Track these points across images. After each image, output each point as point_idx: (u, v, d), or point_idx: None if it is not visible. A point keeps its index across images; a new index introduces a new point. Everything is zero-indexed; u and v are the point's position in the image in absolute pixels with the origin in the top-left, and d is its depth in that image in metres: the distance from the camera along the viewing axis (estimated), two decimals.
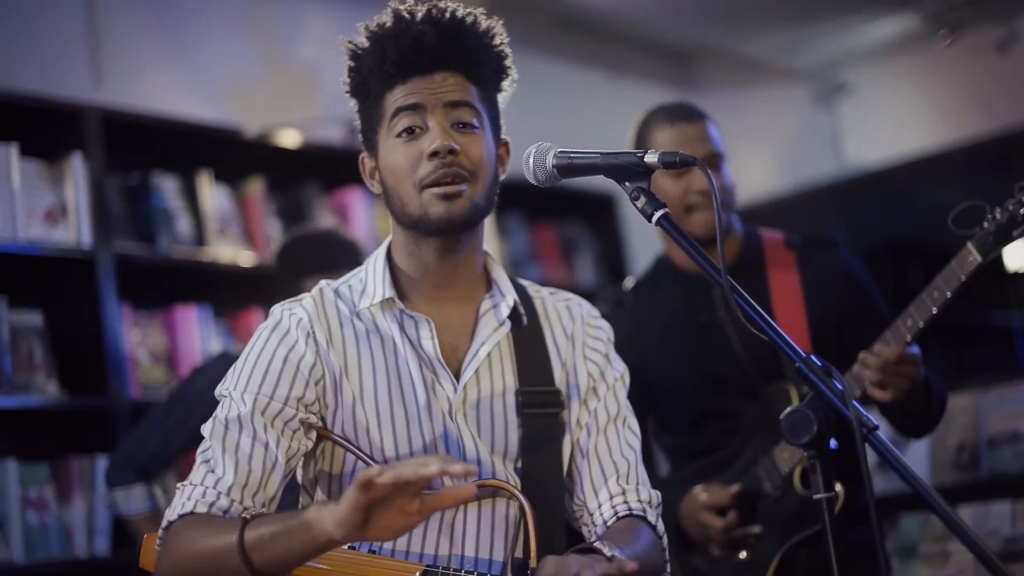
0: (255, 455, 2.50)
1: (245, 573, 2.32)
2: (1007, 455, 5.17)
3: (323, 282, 2.72)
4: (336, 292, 2.69)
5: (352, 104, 2.71)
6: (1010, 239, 3.34)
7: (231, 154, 5.66)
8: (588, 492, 2.71)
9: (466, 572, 2.54)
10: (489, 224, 6.54)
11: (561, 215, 7.31)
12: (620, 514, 2.67)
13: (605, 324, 2.82)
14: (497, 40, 2.67)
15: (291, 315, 2.62)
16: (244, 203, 5.69)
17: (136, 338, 5.14)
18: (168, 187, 5.33)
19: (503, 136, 2.72)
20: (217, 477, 2.48)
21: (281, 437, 2.53)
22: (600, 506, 2.69)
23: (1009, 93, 7.43)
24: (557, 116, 7.09)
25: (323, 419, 2.59)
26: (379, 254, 2.72)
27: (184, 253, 5.28)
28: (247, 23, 6.15)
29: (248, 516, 2.36)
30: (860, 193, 7.89)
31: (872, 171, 7.80)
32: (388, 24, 2.61)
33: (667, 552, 2.72)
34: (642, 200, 2.42)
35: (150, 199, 5.27)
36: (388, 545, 2.57)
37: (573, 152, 2.51)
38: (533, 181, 2.56)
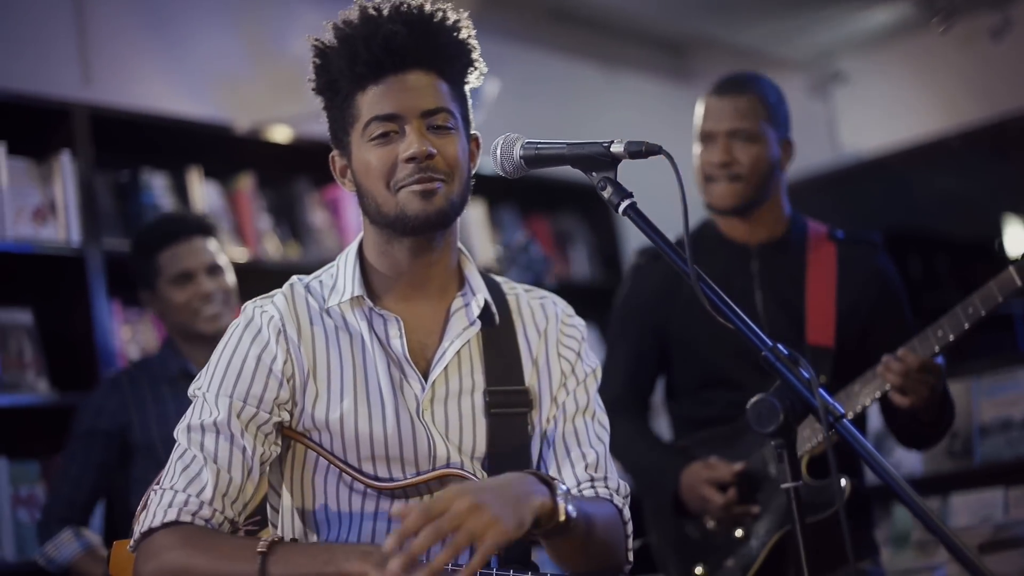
0: (234, 461, 2.50)
1: None
2: (999, 442, 5.17)
3: (295, 277, 2.70)
4: (307, 288, 2.67)
5: (319, 101, 2.68)
6: None
7: (221, 150, 5.66)
8: (559, 474, 2.67)
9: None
10: (482, 216, 6.55)
11: (555, 207, 7.30)
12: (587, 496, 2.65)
13: (579, 322, 2.81)
14: (465, 33, 2.64)
15: (263, 313, 2.61)
16: (234, 199, 5.68)
17: (126, 335, 5.14)
18: (158, 184, 5.33)
19: (473, 131, 2.70)
20: (200, 486, 2.47)
21: (256, 443, 2.53)
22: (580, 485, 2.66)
23: (1004, 79, 7.43)
24: (552, 108, 7.09)
25: (291, 415, 2.59)
26: (351, 250, 2.70)
27: None
28: (236, 19, 6.15)
29: (264, 547, 2.38)
30: (856, 181, 7.89)
31: (868, 159, 7.81)
32: (356, 23, 2.58)
33: (630, 541, 2.69)
34: (609, 190, 2.43)
35: (139, 196, 5.27)
36: (354, 541, 2.57)
37: (540, 143, 2.50)
38: (501, 172, 2.55)
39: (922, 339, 3.56)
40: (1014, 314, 8.57)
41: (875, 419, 4.11)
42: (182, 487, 2.47)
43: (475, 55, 2.67)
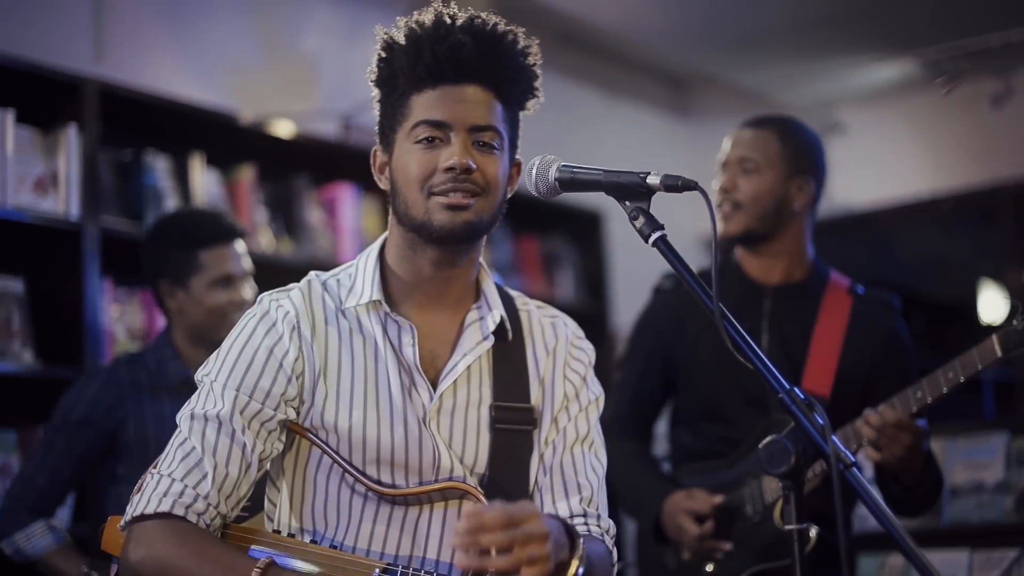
0: (232, 457, 2.51)
1: None
2: (969, 505, 5.20)
3: (312, 274, 2.72)
4: (324, 285, 2.68)
5: (374, 93, 2.69)
6: None
7: (225, 139, 5.66)
8: (547, 508, 2.69)
9: (426, 572, 2.54)
10: None
11: (546, 229, 7.31)
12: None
13: (588, 345, 2.84)
14: (531, 60, 2.67)
15: (279, 307, 2.62)
16: (234, 189, 5.68)
17: (115, 313, 5.13)
18: (160, 166, 5.33)
19: (517, 157, 2.72)
20: (198, 478, 2.49)
21: (257, 440, 2.54)
22: (573, 517, 2.69)
23: (1000, 146, 7.49)
24: (550, 130, 7.06)
25: (297, 412, 2.60)
26: (372, 252, 2.71)
27: None
28: (252, 10, 6.16)
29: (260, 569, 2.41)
30: (845, 233, 7.93)
31: (858, 212, 7.84)
32: (428, 26, 2.60)
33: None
34: (640, 220, 2.44)
35: (141, 176, 5.27)
36: (350, 543, 2.59)
37: (576, 167, 2.52)
38: (534, 192, 2.56)
39: (901, 398, 3.61)
40: (983, 380, 8.64)
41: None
42: (180, 476, 2.49)
43: (536, 83, 2.70)
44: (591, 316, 6.99)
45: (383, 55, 2.65)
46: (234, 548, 2.52)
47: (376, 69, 2.66)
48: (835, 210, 7.94)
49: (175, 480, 2.49)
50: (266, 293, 2.68)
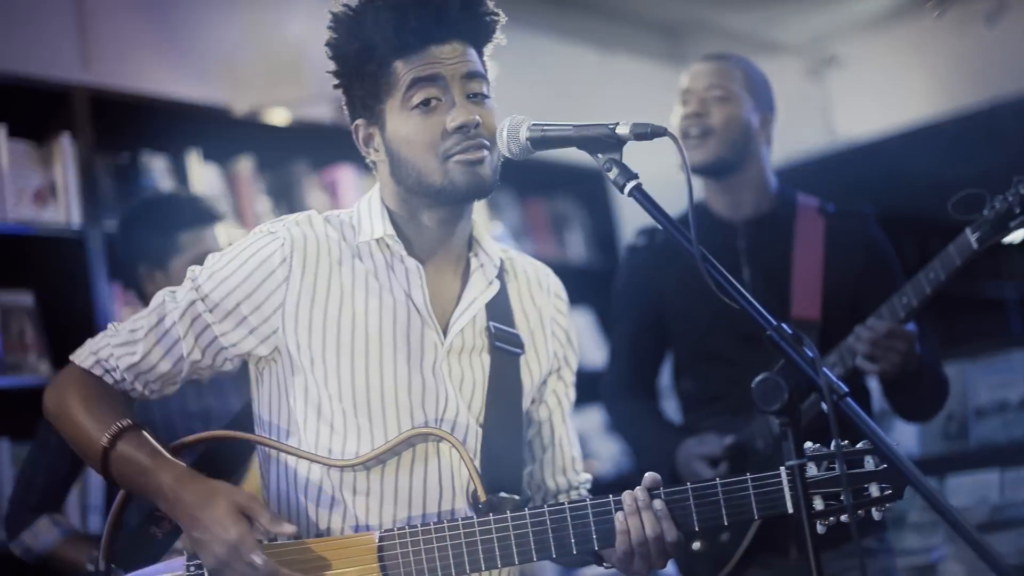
0: (165, 359, 2.61)
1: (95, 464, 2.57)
2: (995, 425, 5.19)
3: (313, 211, 2.72)
4: (327, 220, 2.68)
5: (335, 68, 2.68)
6: (1007, 230, 3.45)
7: (220, 133, 5.65)
8: (548, 482, 2.88)
9: (422, 526, 2.53)
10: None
11: (552, 190, 7.31)
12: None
13: (567, 304, 2.92)
14: (493, 7, 2.69)
15: (285, 229, 2.63)
16: (234, 181, 5.69)
17: (127, 316, 5.12)
18: (157, 166, 5.34)
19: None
20: (126, 352, 2.60)
21: (196, 349, 2.61)
22: (569, 491, 2.88)
23: (998, 64, 7.45)
24: (550, 91, 7.10)
25: (279, 349, 2.62)
26: (372, 199, 2.70)
27: None
28: (235, 2, 6.15)
29: (111, 437, 2.54)
30: (851, 165, 7.91)
31: (862, 143, 7.82)
32: None
33: None
34: (614, 171, 2.44)
35: (139, 178, 5.28)
36: (336, 524, 2.61)
37: (546, 124, 2.52)
38: (507, 154, 2.56)
39: (889, 307, 3.64)
40: (1007, 298, 8.62)
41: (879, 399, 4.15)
42: (117, 343, 2.62)
43: (498, 30, 2.71)
44: (603, 274, 6.98)
45: (351, 26, 2.63)
46: (119, 409, 2.60)
47: (341, 41, 2.65)
48: (840, 143, 7.93)
49: (110, 344, 2.62)
50: (267, 222, 2.69)
